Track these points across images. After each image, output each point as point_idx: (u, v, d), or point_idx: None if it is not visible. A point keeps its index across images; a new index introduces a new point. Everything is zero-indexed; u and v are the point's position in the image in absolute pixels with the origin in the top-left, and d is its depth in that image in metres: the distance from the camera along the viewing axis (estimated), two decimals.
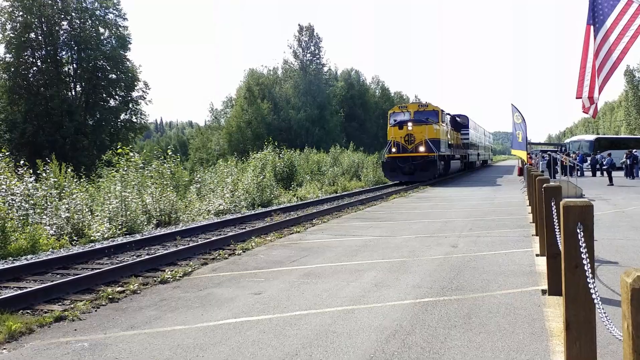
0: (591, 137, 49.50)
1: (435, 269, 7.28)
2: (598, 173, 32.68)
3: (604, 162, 28.45)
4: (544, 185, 5.77)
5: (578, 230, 3.40)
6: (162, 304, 5.96)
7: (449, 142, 32.34)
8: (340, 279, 6.83)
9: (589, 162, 34.67)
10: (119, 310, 5.80)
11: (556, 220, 5.36)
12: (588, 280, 2.98)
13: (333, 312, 5.39)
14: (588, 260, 3.19)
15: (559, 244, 5.10)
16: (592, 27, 6.55)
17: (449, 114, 34.13)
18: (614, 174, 26.40)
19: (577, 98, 6.78)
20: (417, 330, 4.71)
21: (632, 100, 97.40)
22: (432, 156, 27.56)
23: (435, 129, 28.39)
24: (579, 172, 30.19)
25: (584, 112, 6.95)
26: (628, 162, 28.99)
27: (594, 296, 2.76)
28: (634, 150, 30.08)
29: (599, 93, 6.52)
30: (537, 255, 7.95)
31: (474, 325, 4.80)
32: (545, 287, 5.87)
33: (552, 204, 5.49)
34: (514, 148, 21.50)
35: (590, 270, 3.12)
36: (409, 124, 27.97)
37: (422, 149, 27.59)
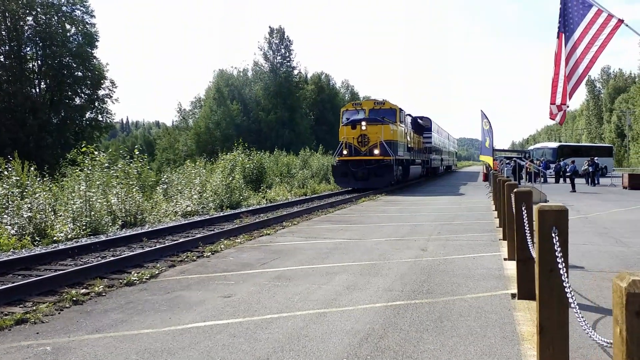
0: (554, 144, 50.64)
1: (405, 272, 7.28)
2: (561, 180, 33.42)
3: (567, 169, 29.08)
4: (515, 190, 5.82)
5: (553, 235, 3.41)
6: (129, 307, 5.79)
7: (409, 145, 30.12)
8: (311, 282, 6.77)
9: (552, 168, 35.45)
10: (83, 313, 5.61)
11: (527, 225, 5.41)
12: (564, 284, 2.99)
13: (305, 315, 5.32)
14: (564, 264, 3.21)
15: (530, 248, 5.15)
16: (563, 34, 6.66)
17: (409, 115, 32.08)
18: (576, 180, 27.01)
19: (551, 104, 6.88)
20: (390, 334, 4.68)
21: (593, 110, 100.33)
22: (388, 160, 24.78)
23: (392, 129, 25.74)
24: (542, 179, 30.83)
25: (551, 118, 7.05)
26: (590, 170, 29.71)
27: (570, 300, 2.77)
28: (595, 158, 30.89)
29: (569, 100, 6.63)
30: (505, 259, 8.03)
31: (445, 329, 4.79)
32: (515, 290, 5.92)
33: (523, 208, 5.54)
34: (482, 154, 21.79)
35: (565, 274, 3.13)
36: (363, 123, 24.99)
37: (376, 151, 24.74)
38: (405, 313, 5.30)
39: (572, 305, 2.70)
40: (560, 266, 3.22)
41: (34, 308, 5.70)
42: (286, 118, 69.07)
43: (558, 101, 6.97)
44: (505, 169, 29.86)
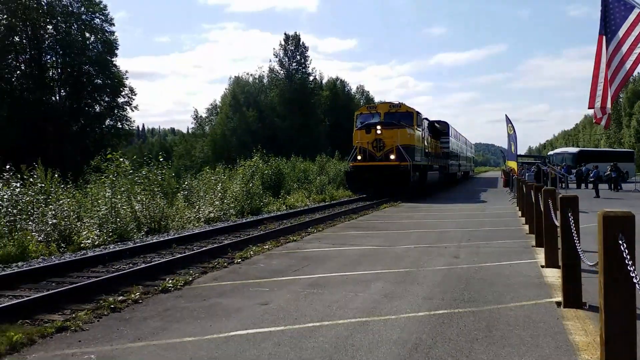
0: (574, 149, 50.15)
1: (442, 279, 7.15)
2: (582, 185, 32.99)
3: (591, 175, 28.68)
4: (561, 195, 5.68)
5: (620, 242, 3.29)
6: (167, 314, 5.74)
7: (426, 150, 28.68)
8: (347, 290, 6.67)
9: (574, 174, 35.02)
10: (122, 320, 5.57)
11: (574, 231, 5.27)
12: (637, 293, 2.87)
13: (347, 323, 5.22)
14: (635, 272, 3.09)
15: (580, 255, 5.01)
16: (604, 37, 6.53)
17: (427, 119, 30.72)
18: (599, 186, 26.63)
19: (589, 108, 6.75)
20: (439, 344, 4.56)
21: (612, 114, 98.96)
22: (405, 166, 23.43)
23: (409, 133, 24.50)
24: (564, 184, 30.45)
25: (596, 122, 6.91)
26: (613, 175, 29.30)
27: None
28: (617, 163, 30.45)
29: (611, 103, 6.50)
30: (542, 266, 7.87)
31: (496, 339, 4.67)
32: (559, 299, 5.78)
33: (569, 214, 5.40)
34: (509, 159, 21.53)
35: (638, 282, 3.01)
36: (378, 127, 23.89)
37: (392, 157, 23.54)
38: (450, 322, 5.18)
39: None
40: (632, 275, 3.10)
41: (73, 315, 5.65)
42: (302, 124, 69.11)
43: (597, 105, 6.83)
44: (527, 174, 29.48)
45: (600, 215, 3.50)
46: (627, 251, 3.25)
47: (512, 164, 21.58)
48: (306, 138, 67.85)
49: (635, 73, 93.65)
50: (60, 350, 4.66)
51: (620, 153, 51.49)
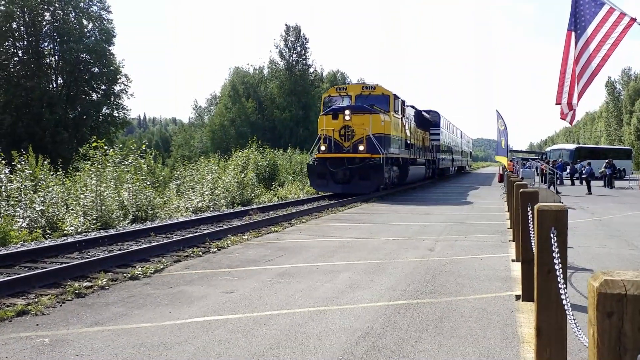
0: (571, 146, 50.12)
1: (410, 271, 7.21)
2: (577, 182, 33.03)
3: (584, 171, 28.70)
4: (521, 190, 5.73)
5: (551, 235, 3.34)
6: (130, 301, 5.80)
7: (408, 141, 24.98)
8: (314, 280, 6.73)
9: (568, 170, 35.06)
10: (84, 305, 5.63)
11: (531, 225, 5.32)
12: (560, 286, 2.91)
13: (305, 312, 5.28)
14: (561, 265, 3.13)
15: (533, 249, 5.06)
16: (573, 33, 6.54)
17: (413, 107, 27.30)
18: (592, 183, 26.66)
19: (556, 104, 6.77)
20: (388, 333, 4.63)
21: (613, 112, 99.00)
22: (377, 159, 20.01)
23: (384, 120, 20.70)
24: (558, 180, 30.48)
25: (561, 118, 6.94)
26: (607, 172, 29.31)
27: (564, 302, 2.70)
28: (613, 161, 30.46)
29: (578, 100, 6.51)
30: (512, 260, 7.93)
31: (445, 329, 4.73)
32: (520, 292, 5.84)
33: (528, 209, 5.44)
34: (498, 154, 21.53)
35: (562, 276, 3.05)
36: (347, 112, 20.17)
37: (362, 148, 19.96)
38: (406, 312, 5.24)
39: (566, 307, 2.63)
40: (557, 267, 3.15)
41: (36, 300, 5.72)
42: (301, 116, 69.04)
43: (564, 101, 6.85)
44: (522, 170, 29.49)
45: (536, 209, 3.54)
46: (556, 244, 3.30)
47: (503, 160, 21.60)
48: (305, 130, 67.79)
49: (635, 70, 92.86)
50: (15, 334, 4.73)
51: (618, 150, 51.47)
